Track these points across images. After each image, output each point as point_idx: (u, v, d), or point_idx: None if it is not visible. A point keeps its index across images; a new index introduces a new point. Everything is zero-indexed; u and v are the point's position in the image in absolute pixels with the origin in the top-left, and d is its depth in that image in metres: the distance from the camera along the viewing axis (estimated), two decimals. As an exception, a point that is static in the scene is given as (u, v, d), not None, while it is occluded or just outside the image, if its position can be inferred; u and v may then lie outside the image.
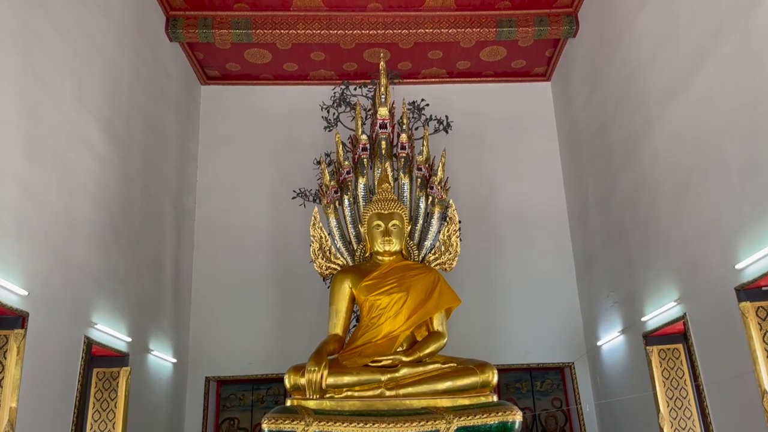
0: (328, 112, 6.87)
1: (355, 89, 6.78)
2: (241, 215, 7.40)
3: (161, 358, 6.27)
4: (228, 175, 7.56)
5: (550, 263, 7.30)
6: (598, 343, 6.68)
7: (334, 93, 6.95)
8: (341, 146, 5.71)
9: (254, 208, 7.42)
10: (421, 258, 5.42)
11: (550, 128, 7.84)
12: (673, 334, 5.42)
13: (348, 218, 5.54)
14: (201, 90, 7.97)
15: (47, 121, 4.48)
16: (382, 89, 5.59)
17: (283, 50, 7.42)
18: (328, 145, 6.98)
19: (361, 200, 5.59)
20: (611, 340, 6.38)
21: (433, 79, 8.00)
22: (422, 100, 6.85)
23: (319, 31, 6.86)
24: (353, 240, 5.50)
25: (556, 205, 7.54)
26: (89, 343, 4.82)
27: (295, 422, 4.15)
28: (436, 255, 5.38)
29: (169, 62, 6.99)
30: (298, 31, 6.87)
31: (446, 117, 6.87)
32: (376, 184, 5.55)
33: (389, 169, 5.57)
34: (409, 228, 5.36)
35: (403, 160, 5.61)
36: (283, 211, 7.27)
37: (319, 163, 6.63)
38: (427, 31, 6.92)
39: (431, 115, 6.87)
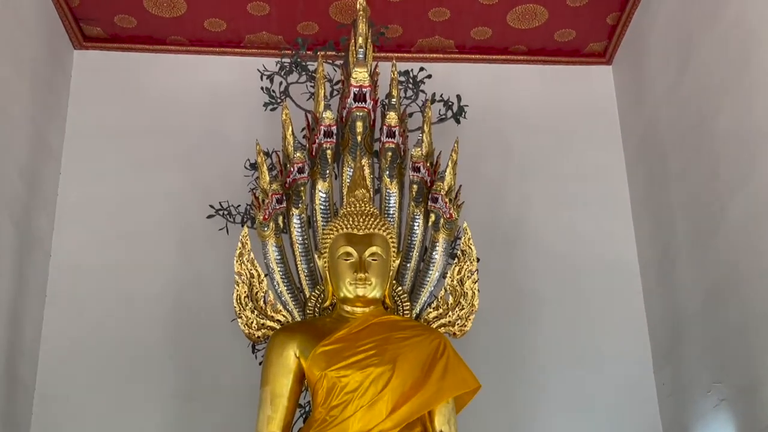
0: (271, 81, 6.38)
1: (315, 52, 6.30)
2: (127, 248, 6.78)
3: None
4: (109, 186, 6.96)
5: (612, 338, 6.81)
6: (692, 465, 5.97)
7: (282, 60, 6.50)
8: (291, 128, 5.34)
9: (149, 237, 6.83)
10: (415, 314, 5.13)
11: (611, 133, 7.47)
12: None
13: (297, 246, 5.27)
14: (74, 56, 7.41)
15: None
16: (360, 41, 5.23)
17: (204, -3, 7.02)
18: (270, 143, 6.39)
19: (319, 217, 5.32)
20: (715, 459, 5.67)
21: (435, 55, 7.56)
22: (421, 69, 6.43)
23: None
24: (304, 281, 5.24)
25: (621, 249, 7.09)
26: None
27: None
28: (440, 311, 5.14)
29: (24, 7, 6.38)
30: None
31: (458, 98, 6.45)
32: (345, 191, 5.24)
33: (367, 168, 5.31)
34: (397, 263, 5.02)
35: (390, 154, 5.28)
36: (194, 242, 6.75)
37: (253, 166, 6.11)
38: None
39: (434, 95, 6.42)
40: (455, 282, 5.10)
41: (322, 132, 5.20)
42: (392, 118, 5.21)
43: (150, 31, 7.29)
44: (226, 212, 6.24)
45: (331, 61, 6.43)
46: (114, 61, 7.37)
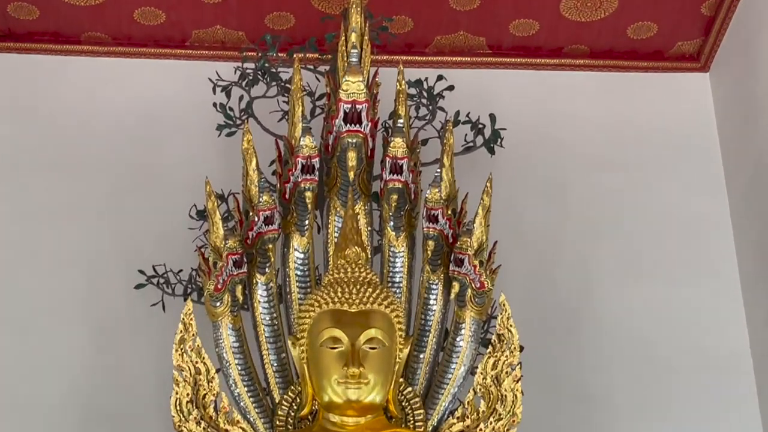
0: (228, 95, 6.43)
1: (289, 55, 6.38)
2: (21, 336, 6.75)
3: None
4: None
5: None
6: None
7: (243, 65, 6.58)
8: (255, 160, 5.28)
9: (52, 318, 6.79)
10: (432, 426, 5.14)
11: (709, 168, 7.50)
12: None
13: (263, 328, 5.26)
14: (-40, 61, 7.60)
15: None
16: (354, 38, 5.24)
17: (136, -20, 7.15)
18: (225, 181, 6.42)
19: (295, 287, 5.33)
20: None
21: (460, 58, 7.68)
22: (440, 78, 6.48)
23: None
24: (272, 380, 5.24)
25: (727, 337, 7.04)
26: None
27: None
28: (468, 422, 5.09)
29: None
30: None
31: (491, 118, 6.49)
32: (332, 249, 5.30)
33: (363, 217, 5.35)
34: (406, 353, 5.01)
35: (395, 197, 5.28)
36: (115, 323, 6.72)
37: (201, 214, 6.17)
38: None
39: (458, 114, 6.49)
40: (489, 380, 5.01)
41: (299, 166, 5.16)
42: (398, 146, 5.18)
43: (59, 25, 7.40)
44: (162, 280, 6.26)
45: (312, 67, 6.52)
46: (7, 65, 7.49)
